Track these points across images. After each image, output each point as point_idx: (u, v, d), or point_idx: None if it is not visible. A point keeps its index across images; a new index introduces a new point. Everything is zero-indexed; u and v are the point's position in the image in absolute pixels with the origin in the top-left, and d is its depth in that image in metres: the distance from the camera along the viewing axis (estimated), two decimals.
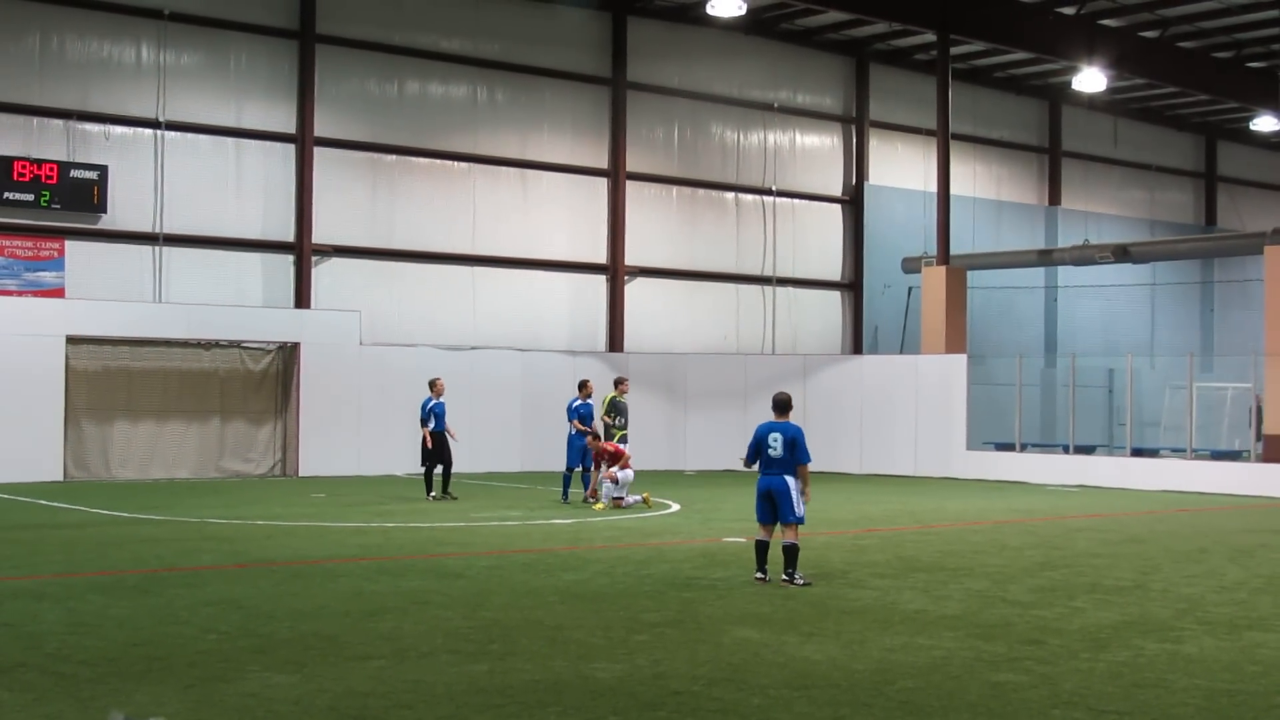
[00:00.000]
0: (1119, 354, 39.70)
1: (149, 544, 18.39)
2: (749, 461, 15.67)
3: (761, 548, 15.56)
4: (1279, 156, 53.31)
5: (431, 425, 26.21)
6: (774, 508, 15.39)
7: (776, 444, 15.32)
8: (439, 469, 26.30)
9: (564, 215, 37.62)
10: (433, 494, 25.99)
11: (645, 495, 25.43)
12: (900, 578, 16.04)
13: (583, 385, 26.96)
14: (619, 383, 27.02)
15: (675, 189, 39.64)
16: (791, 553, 15.34)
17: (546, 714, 9.14)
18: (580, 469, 26.11)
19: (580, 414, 26.15)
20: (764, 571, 15.47)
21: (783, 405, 15.58)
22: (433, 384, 26.67)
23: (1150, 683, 10.47)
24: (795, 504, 15.33)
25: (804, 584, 15.19)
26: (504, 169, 36.64)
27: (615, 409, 26.35)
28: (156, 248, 31.80)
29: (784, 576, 15.24)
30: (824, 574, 16.25)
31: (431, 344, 34.22)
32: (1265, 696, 10.11)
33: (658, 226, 39.19)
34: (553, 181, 37.36)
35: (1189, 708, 9.70)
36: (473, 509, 24.15)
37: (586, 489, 25.89)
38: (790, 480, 15.33)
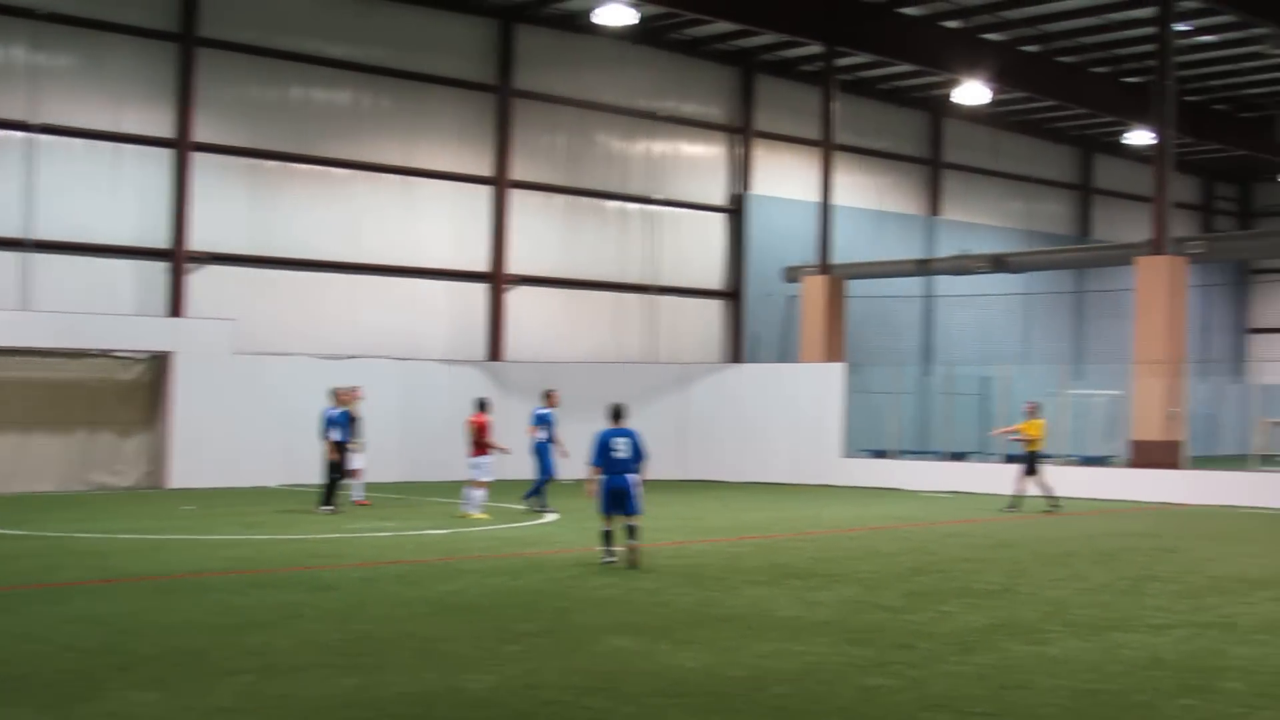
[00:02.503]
0: (994, 362, 40.25)
1: (9, 560, 17.87)
2: (595, 464, 17.69)
3: (609, 535, 17.65)
4: (1149, 170, 54.18)
5: (335, 435, 25.78)
6: (620, 503, 17.62)
7: (622, 447, 17.62)
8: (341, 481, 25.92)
9: (446, 223, 37.41)
10: (330, 506, 25.46)
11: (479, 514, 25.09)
12: (775, 585, 16.14)
13: (549, 395, 27.05)
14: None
15: (560, 197, 39.57)
16: (636, 530, 17.72)
17: None
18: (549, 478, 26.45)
19: (543, 421, 26.50)
20: (613, 554, 17.54)
21: (620, 413, 18.16)
22: (336, 393, 26.31)
23: (1017, 684, 10.64)
24: (638, 500, 17.74)
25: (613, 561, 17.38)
26: (387, 176, 36.36)
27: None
28: (23, 253, 31.15)
29: (631, 542, 17.58)
30: (699, 581, 16.31)
31: (309, 353, 33.85)
32: (1126, 695, 10.32)
33: (541, 235, 39.10)
34: (436, 189, 37.15)
35: (1054, 707, 9.87)
36: (347, 520, 23.91)
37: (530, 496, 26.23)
38: (633, 478, 17.64)
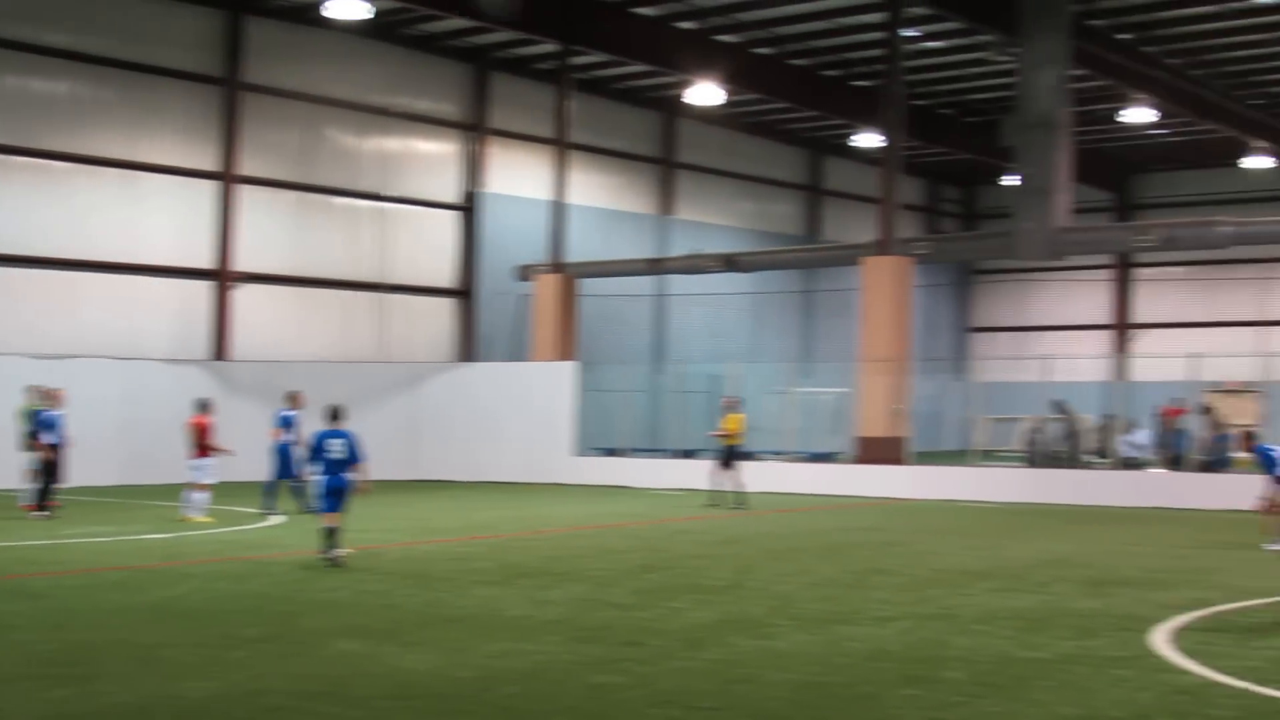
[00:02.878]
0: (725, 360, 40.83)
1: None
2: (312, 463, 18.13)
3: (330, 532, 17.74)
4: (877, 172, 55.58)
5: (49, 438, 24.74)
6: (338, 500, 17.85)
7: (337, 448, 17.84)
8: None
9: (171, 219, 36.35)
10: (44, 511, 24.42)
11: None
12: (505, 584, 16.08)
13: (293, 396, 26.30)
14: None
15: (290, 193, 38.80)
16: (336, 535, 17.82)
17: None
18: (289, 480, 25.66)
19: (287, 423, 25.80)
20: (334, 553, 17.63)
21: (337, 414, 18.27)
22: (48, 394, 25.27)
23: (744, 678, 10.75)
24: (349, 499, 18.08)
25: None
26: (109, 170, 35.18)
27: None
28: None
29: (330, 558, 17.55)
30: (428, 583, 16.16)
31: (23, 353, 32.50)
32: (851, 687, 10.52)
33: (270, 232, 38.30)
34: (160, 184, 36.07)
35: (779, 701, 10.01)
36: (63, 525, 23.01)
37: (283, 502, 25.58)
38: (348, 478, 17.91)
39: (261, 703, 9.75)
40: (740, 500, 28.79)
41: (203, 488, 24.21)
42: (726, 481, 29.19)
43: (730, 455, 29.37)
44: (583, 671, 10.94)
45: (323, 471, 17.92)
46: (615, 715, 9.55)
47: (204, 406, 25.00)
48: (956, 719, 9.61)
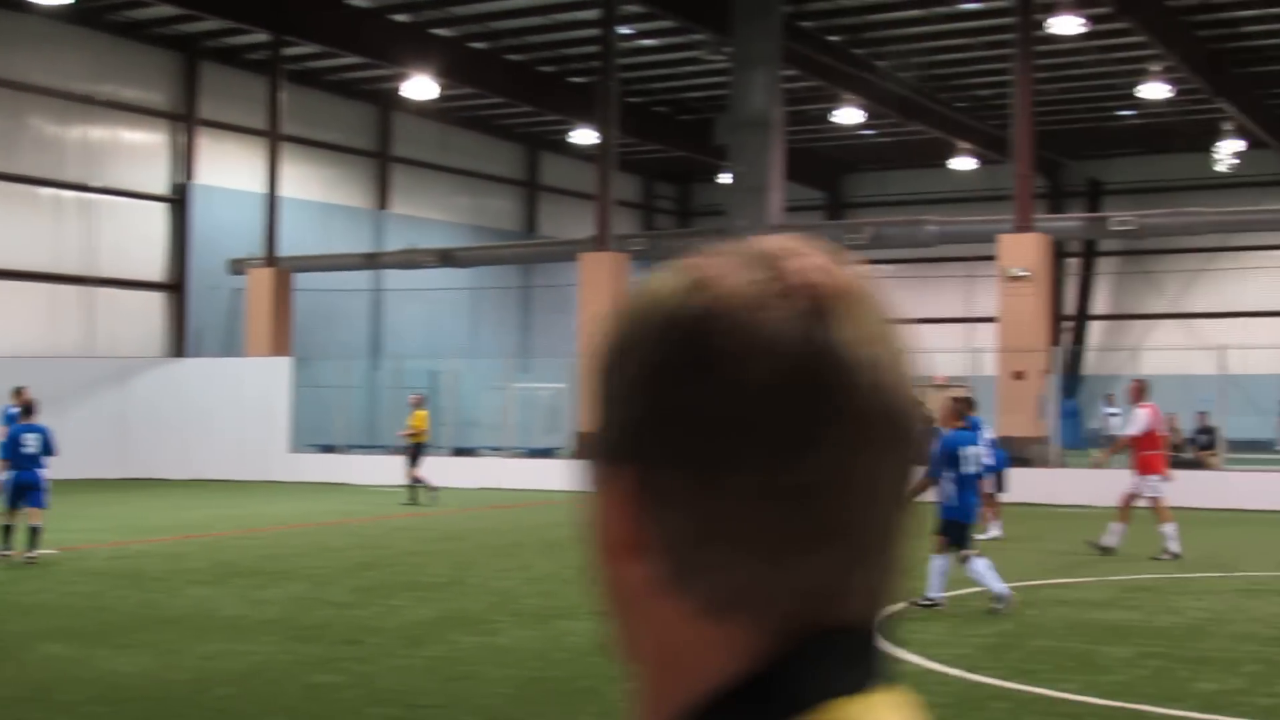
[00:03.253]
0: (442, 356, 40.69)
1: None
2: (4, 460, 17.82)
3: (9, 530, 17.68)
4: (593, 168, 56.07)
5: None
6: (25, 498, 17.58)
7: (32, 442, 17.79)
8: None
9: None
10: None
11: None
12: (219, 584, 15.77)
13: (19, 391, 24.87)
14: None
15: None
16: (40, 530, 17.58)
17: None
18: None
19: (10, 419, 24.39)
20: (10, 549, 17.47)
21: (31, 408, 18.54)
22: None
23: (465, 675, 10.76)
24: (45, 494, 17.76)
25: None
26: None
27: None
28: None
29: (29, 556, 17.19)
30: (139, 583, 15.75)
31: None
32: (571, 681, 10.60)
33: None
34: None
35: (501, 696, 10.05)
36: None
37: None
38: (41, 473, 17.69)
39: None
40: (416, 496, 29.03)
41: None
42: (414, 476, 29.34)
43: (417, 450, 29.37)
44: (301, 671, 10.82)
45: (13, 466, 17.73)
46: (335, 715, 9.47)
47: None
48: None
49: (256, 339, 39.70)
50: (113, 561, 17.96)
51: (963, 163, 51.40)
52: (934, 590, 14.02)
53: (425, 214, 49.73)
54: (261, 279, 39.91)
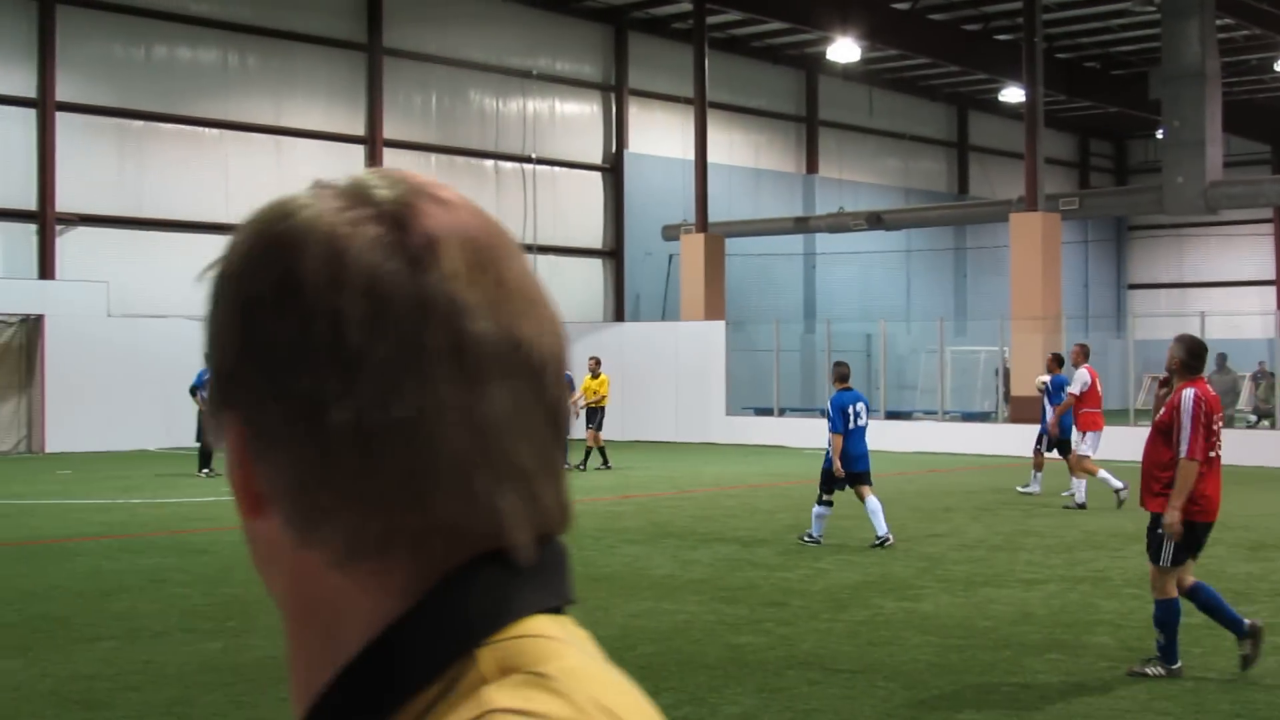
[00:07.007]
0: (875, 319, 40.45)
1: None
2: None
3: None
4: (1024, 126, 54.70)
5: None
6: None
7: None
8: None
9: None
10: (210, 469, 24.97)
11: None
12: (652, 543, 16.11)
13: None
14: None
15: (434, 156, 39.19)
16: None
17: (279, 690, 8.92)
18: None
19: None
20: None
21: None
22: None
23: (885, 640, 10.66)
24: None
25: None
26: (257, 135, 35.75)
27: None
28: None
29: None
30: (575, 541, 16.17)
31: (185, 315, 33.17)
32: (992, 650, 10.35)
33: None
34: (308, 148, 36.56)
35: (919, 664, 9.89)
36: (223, 481, 23.50)
37: None
38: None
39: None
40: (590, 461, 28.11)
41: None
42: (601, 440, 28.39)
43: (597, 416, 28.34)
44: (724, 631, 10.92)
45: None
46: (753, 676, 9.50)
47: None
48: (1099, 685, 9.43)
49: (691, 303, 40.34)
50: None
51: None
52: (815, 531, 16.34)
53: (854, 177, 49.55)
54: (694, 244, 40.52)
